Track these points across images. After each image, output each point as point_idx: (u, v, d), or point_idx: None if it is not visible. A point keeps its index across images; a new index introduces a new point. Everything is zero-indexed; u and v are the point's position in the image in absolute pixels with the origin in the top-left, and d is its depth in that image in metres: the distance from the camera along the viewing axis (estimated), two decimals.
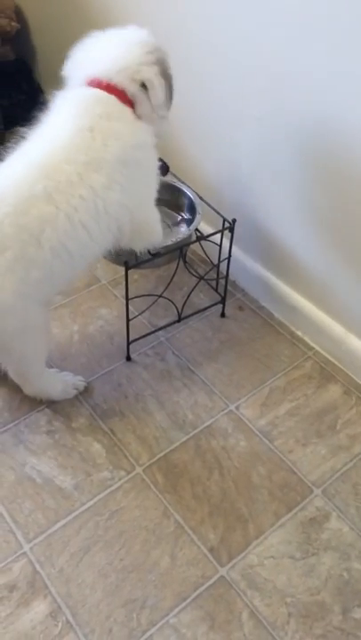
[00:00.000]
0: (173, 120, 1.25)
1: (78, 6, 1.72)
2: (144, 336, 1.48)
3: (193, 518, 1.19)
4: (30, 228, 1.07)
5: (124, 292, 1.36)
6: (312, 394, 1.41)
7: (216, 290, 1.59)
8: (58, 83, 1.16)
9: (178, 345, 1.50)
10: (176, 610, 1.08)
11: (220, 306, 1.56)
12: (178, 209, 1.54)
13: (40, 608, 1.07)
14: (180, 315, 1.51)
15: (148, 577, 1.11)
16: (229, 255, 1.48)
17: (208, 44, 1.38)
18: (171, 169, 1.50)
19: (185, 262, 1.56)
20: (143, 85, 1.12)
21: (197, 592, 1.10)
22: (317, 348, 1.50)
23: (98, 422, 1.33)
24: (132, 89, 1.12)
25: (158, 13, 1.47)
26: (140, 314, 1.50)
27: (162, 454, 1.28)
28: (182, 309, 1.50)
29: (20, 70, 2.01)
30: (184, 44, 1.42)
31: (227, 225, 1.41)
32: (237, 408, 1.37)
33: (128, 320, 1.40)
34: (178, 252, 1.42)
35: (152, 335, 1.49)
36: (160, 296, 1.48)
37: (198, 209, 1.44)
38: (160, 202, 1.49)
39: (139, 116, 1.14)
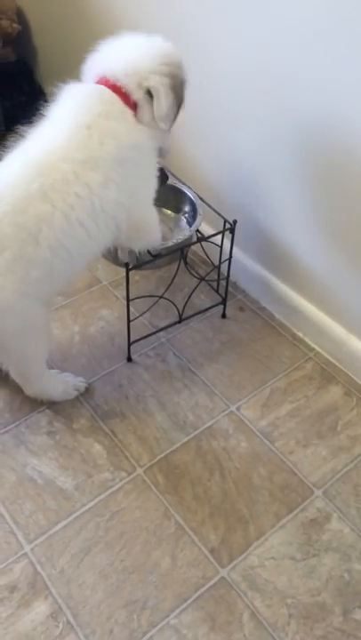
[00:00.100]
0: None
1: (79, 8, 1.73)
2: (145, 337, 1.48)
3: (194, 519, 1.19)
4: (28, 226, 1.07)
5: (124, 293, 1.36)
6: (313, 395, 1.41)
7: (217, 291, 1.59)
8: (54, 87, 1.16)
9: (179, 346, 1.50)
10: (177, 611, 1.08)
11: (221, 307, 1.56)
12: (179, 210, 1.54)
13: (41, 609, 1.07)
14: (180, 316, 1.51)
15: (148, 578, 1.11)
16: (230, 256, 1.48)
17: (208, 45, 1.38)
18: (171, 170, 1.51)
19: (186, 263, 1.56)
20: (150, 94, 1.12)
21: (198, 593, 1.10)
22: (318, 349, 1.50)
23: (99, 423, 1.33)
24: (137, 94, 1.12)
25: (158, 13, 1.47)
26: (140, 315, 1.50)
27: (163, 455, 1.28)
28: (183, 310, 1.50)
29: (21, 71, 2.01)
30: (184, 45, 1.41)
31: (228, 226, 1.41)
32: (238, 409, 1.37)
33: (129, 321, 1.40)
34: (179, 253, 1.42)
35: (153, 336, 1.49)
36: (161, 297, 1.48)
37: (199, 210, 1.45)
38: (161, 203, 1.50)
39: (140, 121, 1.14)
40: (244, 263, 1.58)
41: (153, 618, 1.07)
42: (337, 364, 1.46)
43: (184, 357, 1.47)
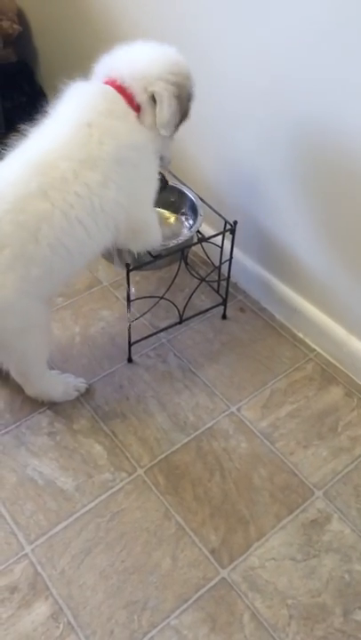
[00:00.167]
0: None
1: (80, 9, 1.73)
2: (145, 338, 1.48)
3: (194, 520, 1.19)
4: (28, 225, 1.07)
5: (125, 294, 1.37)
6: (313, 396, 1.41)
7: (217, 291, 1.59)
8: (59, 85, 1.16)
9: (179, 346, 1.50)
10: (177, 611, 1.08)
11: (222, 307, 1.57)
12: (179, 211, 1.54)
13: (41, 610, 1.07)
14: (181, 316, 1.51)
15: (149, 578, 1.11)
16: (231, 257, 1.48)
17: (207, 45, 1.38)
18: (171, 170, 1.51)
19: (186, 264, 1.56)
20: (154, 99, 1.13)
21: (198, 594, 1.10)
22: (319, 349, 1.50)
23: (99, 424, 1.33)
24: (141, 97, 1.13)
25: (158, 14, 1.47)
26: (141, 316, 1.51)
27: (163, 456, 1.28)
28: (184, 311, 1.50)
29: (21, 72, 2.01)
30: (184, 46, 1.42)
31: (228, 227, 1.41)
32: (239, 410, 1.37)
33: (130, 322, 1.40)
34: (179, 253, 1.42)
35: (153, 337, 1.50)
36: (161, 298, 1.48)
37: (200, 210, 1.45)
38: (161, 203, 1.50)
39: (142, 123, 1.14)
40: (245, 264, 1.59)
41: (153, 618, 1.07)
42: (337, 364, 1.46)
43: (185, 358, 1.47)
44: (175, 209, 1.54)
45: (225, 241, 1.46)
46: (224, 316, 1.57)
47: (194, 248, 1.58)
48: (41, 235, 1.08)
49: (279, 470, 1.27)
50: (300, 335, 1.53)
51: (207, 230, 1.51)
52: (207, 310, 1.56)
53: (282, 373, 1.45)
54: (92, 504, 1.21)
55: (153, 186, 1.23)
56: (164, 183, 1.44)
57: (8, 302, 1.11)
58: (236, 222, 1.40)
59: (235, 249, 1.48)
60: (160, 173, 1.27)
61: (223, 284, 1.56)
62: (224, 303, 1.56)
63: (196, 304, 1.57)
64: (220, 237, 1.44)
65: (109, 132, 1.11)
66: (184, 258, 1.49)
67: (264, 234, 1.50)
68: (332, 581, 1.12)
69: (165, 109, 1.12)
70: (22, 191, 1.07)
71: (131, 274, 1.32)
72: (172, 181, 1.51)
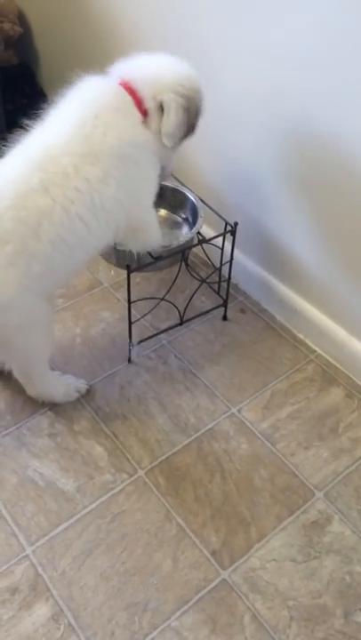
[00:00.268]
0: None
1: (81, 11, 1.73)
2: (146, 339, 1.48)
3: (195, 521, 1.19)
4: (29, 221, 1.08)
5: (126, 295, 1.37)
6: (314, 397, 1.41)
7: (218, 293, 1.59)
8: (61, 86, 1.17)
9: (180, 348, 1.50)
10: (178, 613, 1.08)
11: (222, 309, 1.57)
12: (180, 212, 1.55)
13: (42, 611, 1.07)
14: (182, 318, 1.51)
15: (149, 580, 1.11)
16: (231, 258, 1.49)
17: (208, 46, 1.38)
18: (172, 172, 1.51)
19: (187, 265, 1.56)
20: (162, 108, 1.14)
21: (199, 595, 1.10)
22: (319, 350, 1.50)
23: (100, 425, 1.33)
24: (150, 104, 1.14)
25: (158, 17, 1.47)
26: (142, 317, 1.51)
27: (164, 457, 1.28)
28: (184, 312, 1.50)
29: (23, 74, 2.02)
30: (184, 48, 1.42)
31: (228, 228, 1.42)
32: (239, 411, 1.37)
33: (130, 323, 1.40)
34: (180, 255, 1.42)
35: (154, 338, 1.50)
36: (162, 299, 1.48)
37: (200, 212, 1.45)
38: (162, 205, 1.50)
39: (147, 127, 1.15)
40: (245, 265, 1.59)
41: (154, 620, 1.07)
42: (338, 365, 1.46)
43: (185, 359, 1.47)
44: (176, 210, 1.54)
45: (225, 242, 1.46)
46: (225, 318, 1.57)
47: (194, 249, 1.58)
48: (42, 231, 1.09)
49: (280, 471, 1.27)
50: (301, 336, 1.53)
51: (208, 232, 1.51)
52: (208, 312, 1.56)
53: (282, 374, 1.45)
54: (93, 505, 1.21)
55: (153, 186, 1.23)
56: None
57: (10, 298, 1.11)
58: (236, 224, 1.40)
59: (235, 250, 1.48)
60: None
61: (224, 285, 1.56)
62: (225, 304, 1.56)
63: (197, 305, 1.58)
64: (220, 239, 1.44)
65: (114, 125, 1.12)
66: (185, 259, 1.49)
67: (265, 235, 1.50)
68: (332, 583, 1.12)
69: (172, 119, 1.14)
70: (23, 187, 1.08)
71: (131, 275, 1.32)
72: (172, 183, 1.51)
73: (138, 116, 1.14)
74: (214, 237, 1.43)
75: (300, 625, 1.07)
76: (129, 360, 1.46)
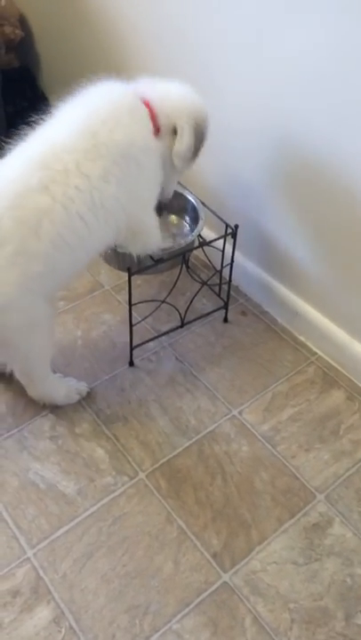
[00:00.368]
0: None
1: (81, 14, 1.73)
2: (147, 341, 1.48)
3: (196, 524, 1.19)
4: (29, 221, 1.08)
5: (127, 298, 1.37)
6: (315, 399, 1.41)
7: (219, 295, 1.59)
8: (61, 90, 1.17)
9: (181, 350, 1.50)
10: (179, 616, 1.08)
11: (223, 311, 1.57)
12: (181, 214, 1.55)
13: (43, 614, 1.07)
14: (182, 320, 1.51)
15: (151, 583, 1.11)
16: (232, 260, 1.49)
17: (209, 53, 1.38)
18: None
19: (188, 268, 1.56)
20: (175, 131, 1.18)
21: (200, 598, 1.10)
22: (320, 353, 1.50)
23: (101, 428, 1.34)
24: (163, 122, 1.17)
25: (158, 23, 1.48)
26: (143, 319, 1.51)
27: (165, 460, 1.28)
28: (185, 315, 1.50)
29: (24, 77, 2.02)
30: (186, 56, 1.42)
31: (229, 231, 1.42)
32: (240, 413, 1.37)
33: (131, 325, 1.41)
34: (181, 257, 1.43)
35: (155, 340, 1.50)
36: (163, 301, 1.48)
37: (201, 214, 1.45)
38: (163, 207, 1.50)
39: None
40: (246, 267, 1.59)
41: (155, 623, 1.07)
42: (339, 368, 1.46)
43: (186, 362, 1.47)
44: (176, 212, 1.54)
45: (226, 245, 1.47)
46: (225, 320, 1.57)
47: (195, 252, 1.58)
48: (42, 231, 1.09)
49: (281, 474, 1.27)
50: (302, 338, 1.53)
51: (208, 234, 1.51)
52: (209, 314, 1.57)
53: (283, 377, 1.45)
54: (94, 508, 1.21)
55: (154, 189, 1.24)
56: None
57: (11, 299, 1.11)
58: (237, 226, 1.40)
59: (236, 252, 1.48)
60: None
61: (224, 287, 1.56)
62: (225, 307, 1.56)
63: (198, 308, 1.58)
64: (221, 241, 1.44)
65: (124, 125, 1.12)
66: (185, 262, 1.50)
67: (265, 237, 1.50)
68: (333, 585, 1.12)
69: (185, 141, 1.18)
70: (23, 187, 1.07)
71: (132, 278, 1.32)
72: None
73: (150, 126, 1.16)
74: (215, 240, 1.44)
75: (302, 627, 1.07)
76: (130, 362, 1.46)
